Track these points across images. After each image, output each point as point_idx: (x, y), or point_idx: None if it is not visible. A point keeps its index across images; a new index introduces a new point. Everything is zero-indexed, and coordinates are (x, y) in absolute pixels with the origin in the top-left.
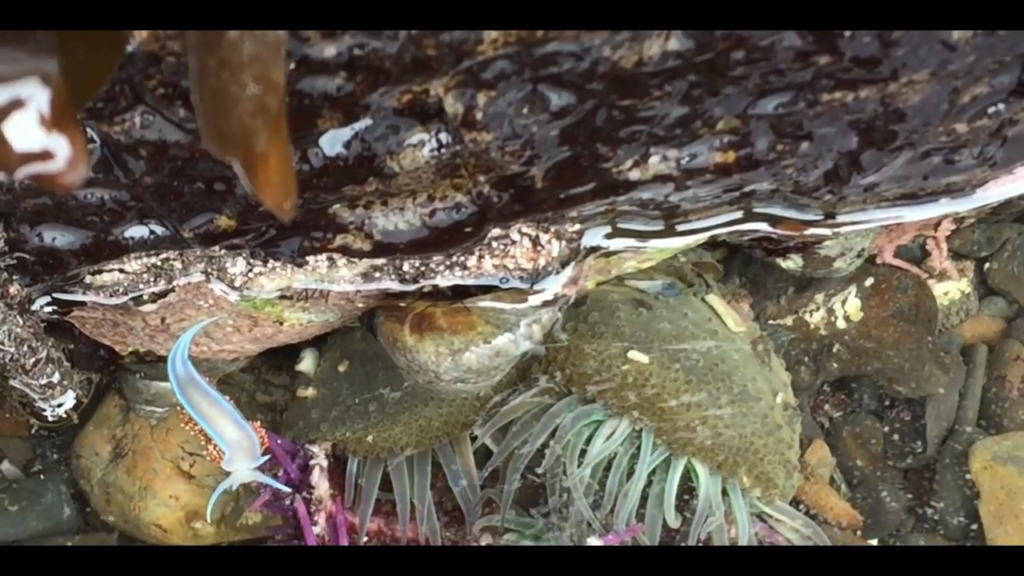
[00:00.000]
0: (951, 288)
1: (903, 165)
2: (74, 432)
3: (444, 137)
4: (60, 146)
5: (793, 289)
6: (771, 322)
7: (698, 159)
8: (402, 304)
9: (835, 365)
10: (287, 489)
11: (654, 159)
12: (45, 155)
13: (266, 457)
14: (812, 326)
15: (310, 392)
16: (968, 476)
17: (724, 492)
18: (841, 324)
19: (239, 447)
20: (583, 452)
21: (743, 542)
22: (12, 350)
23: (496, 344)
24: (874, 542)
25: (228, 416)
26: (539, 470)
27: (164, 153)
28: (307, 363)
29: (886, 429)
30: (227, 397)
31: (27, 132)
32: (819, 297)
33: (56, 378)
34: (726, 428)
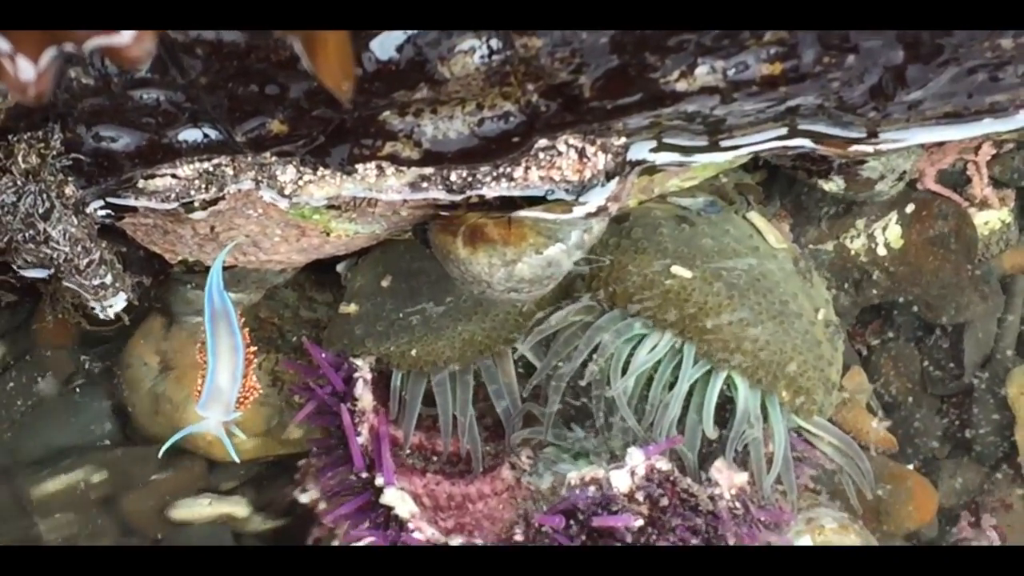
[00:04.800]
0: (991, 217)
1: (948, 81)
2: (117, 345)
3: (495, 43)
4: None
5: (834, 213)
6: (812, 246)
7: (745, 71)
8: (448, 215)
9: (874, 291)
10: (235, 458)
11: (701, 70)
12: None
13: (237, 414)
14: (853, 252)
15: (352, 308)
16: (1005, 402)
17: (763, 407)
18: (881, 251)
19: (218, 395)
20: (625, 367)
21: (780, 456)
22: (67, 249)
23: (548, 254)
24: (910, 467)
25: (232, 366)
26: (582, 383)
27: (220, 52)
28: (342, 266)
29: (924, 355)
30: (248, 348)
31: None
32: (860, 223)
33: (108, 279)
34: (767, 344)
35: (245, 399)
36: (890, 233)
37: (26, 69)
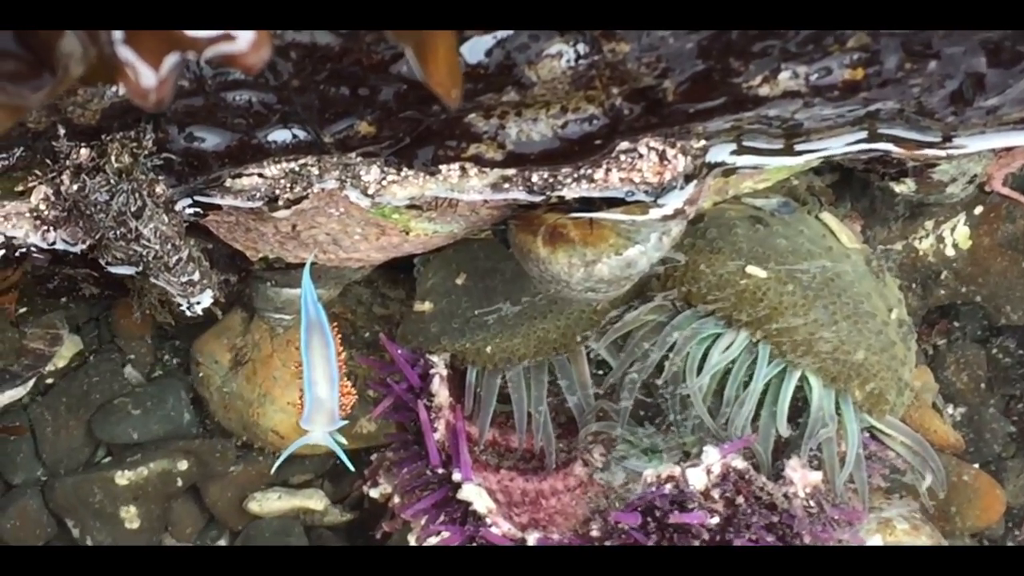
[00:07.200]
0: None
1: None
2: (194, 338)
3: (582, 48)
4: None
5: (904, 215)
6: (882, 247)
7: (827, 76)
8: (527, 215)
9: (942, 292)
10: (350, 467)
11: (784, 75)
12: (227, 37)
13: (344, 422)
14: (921, 252)
15: (427, 307)
16: None
17: (836, 405)
18: (950, 251)
19: (320, 406)
20: (700, 365)
21: (852, 454)
22: (157, 247)
23: (627, 256)
24: (976, 466)
25: (328, 375)
26: (659, 382)
27: (313, 56)
28: (419, 260)
29: (991, 356)
30: (341, 355)
31: None
32: (928, 224)
33: (196, 277)
34: (840, 343)
35: (345, 405)
36: (958, 234)
37: (148, 76)
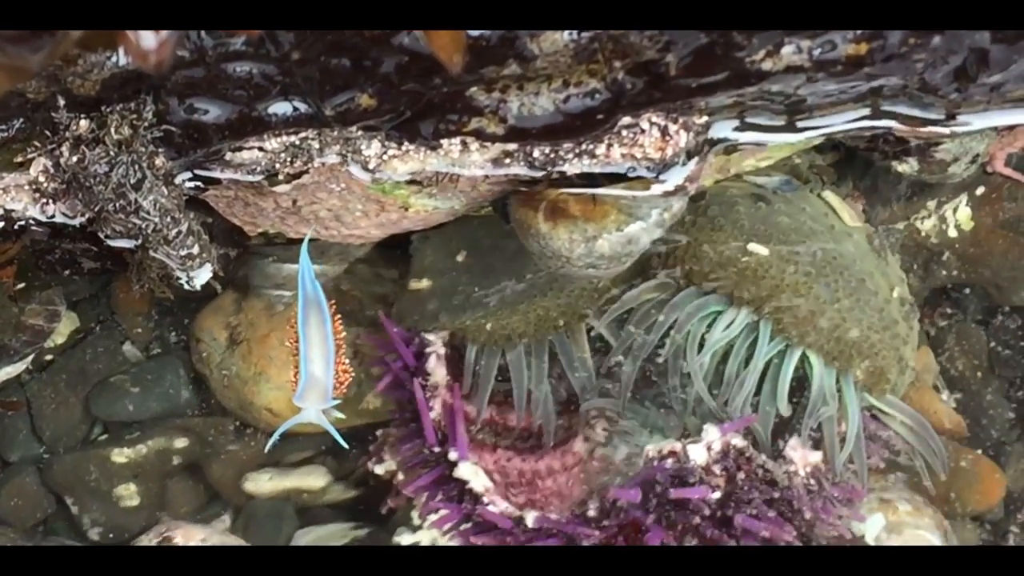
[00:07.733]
0: None
1: None
2: (193, 315)
3: None
4: None
5: (906, 194)
6: (883, 227)
7: (831, 51)
8: (527, 191)
9: (944, 272)
10: (344, 444)
11: (788, 49)
12: None
13: (336, 401)
14: (923, 233)
15: (423, 284)
16: None
17: (837, 384)
18: (952, 232)
19: (314, 384)
20: (701, 344)
21: (852, 434)
22: (156, 219)
23: (629, 232)
24: (977, 451)
25: (325, 353)
26: (660, 359)
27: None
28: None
29: (992, 337)
30: (340, 333)
31: None
32: (930, 204)
33: (195, 250)
34: (842, 321)
35: (341, 383)
36: (960, 215)
37: (148, 37)
